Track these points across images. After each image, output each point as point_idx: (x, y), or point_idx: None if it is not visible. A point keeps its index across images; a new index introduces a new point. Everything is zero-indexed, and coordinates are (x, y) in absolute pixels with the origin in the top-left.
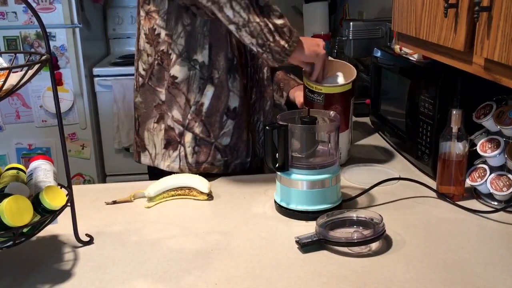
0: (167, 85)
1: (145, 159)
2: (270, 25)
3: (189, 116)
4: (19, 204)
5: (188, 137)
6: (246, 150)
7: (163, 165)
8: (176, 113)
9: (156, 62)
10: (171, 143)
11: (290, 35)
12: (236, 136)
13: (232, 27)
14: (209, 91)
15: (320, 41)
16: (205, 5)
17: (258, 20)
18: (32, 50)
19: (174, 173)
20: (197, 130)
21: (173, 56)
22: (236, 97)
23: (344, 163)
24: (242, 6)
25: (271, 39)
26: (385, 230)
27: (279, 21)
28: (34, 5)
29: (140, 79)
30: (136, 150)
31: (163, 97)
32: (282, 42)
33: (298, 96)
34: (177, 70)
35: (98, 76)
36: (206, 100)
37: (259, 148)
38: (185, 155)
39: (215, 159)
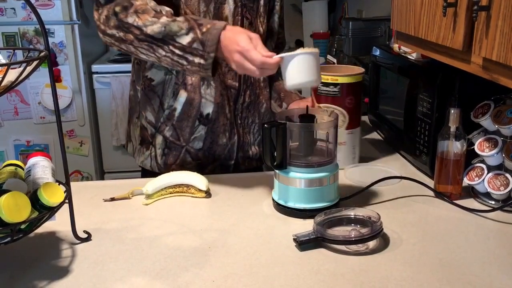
0: (143, 86)
1: (130, 149)
2: (177, 51)
3: (161, 119)
4: (17, 201)
5: (159, 139)
6: (226, 153)
7: (138, 160)
8: (149, 115)
9: (136, 61)
10: (145, 141)
11: (203, 47)
12: (210, 141)
13: (155, 64)
14: (182, 96)
15: (240, 42)
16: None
17: (163, 53)
18: (31, 46)
19: (146, 169)
20: (168, 133)
21: None
22: (209, 104)
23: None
24: (145, 49)
25: (185, 63)
26: (382, 229)
27: (186, 40)
28: (33, 1)
29: (134, 75)
30: (126, 137)
31: (139, 95)
32: (197, 60)
33: None
34: (154, 74)
35: (97, 73)
36: (179, 106)
37: (253, 149)
38: (155, 156)
39: (184, 162)
